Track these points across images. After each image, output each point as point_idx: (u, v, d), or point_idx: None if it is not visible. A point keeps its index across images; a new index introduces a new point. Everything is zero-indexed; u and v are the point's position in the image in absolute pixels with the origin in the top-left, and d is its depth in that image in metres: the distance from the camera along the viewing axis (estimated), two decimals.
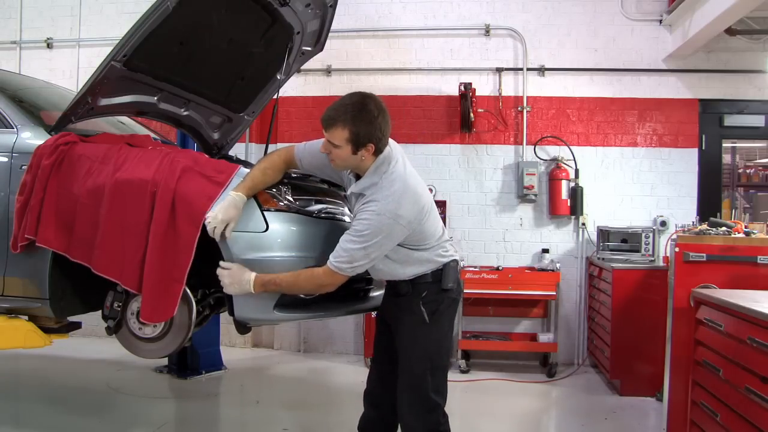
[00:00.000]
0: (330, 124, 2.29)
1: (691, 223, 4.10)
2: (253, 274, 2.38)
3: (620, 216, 5.35)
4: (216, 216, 2.37)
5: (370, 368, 2.75)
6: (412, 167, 2.44)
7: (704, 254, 3.25)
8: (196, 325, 2.69)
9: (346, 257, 2.28)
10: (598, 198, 5.42)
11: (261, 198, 2.52)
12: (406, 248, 2.38)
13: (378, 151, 2.33)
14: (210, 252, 2.47)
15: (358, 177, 2.43)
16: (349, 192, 2.45)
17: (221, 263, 2.42)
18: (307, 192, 2.72)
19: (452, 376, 2.57)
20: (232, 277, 2.38)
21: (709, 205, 5.29)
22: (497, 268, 5.23)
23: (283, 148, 2.63)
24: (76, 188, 2.56)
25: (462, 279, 2.61)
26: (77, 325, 3.06)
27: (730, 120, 5.35)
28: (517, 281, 5.06)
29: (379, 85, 5.65)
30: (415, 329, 2.43)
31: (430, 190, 5.36)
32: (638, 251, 4.87)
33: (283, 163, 2.56)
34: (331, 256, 2.32)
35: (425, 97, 5.60)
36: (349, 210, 2.75)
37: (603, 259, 4.95)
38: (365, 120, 2.26)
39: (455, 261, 2.49)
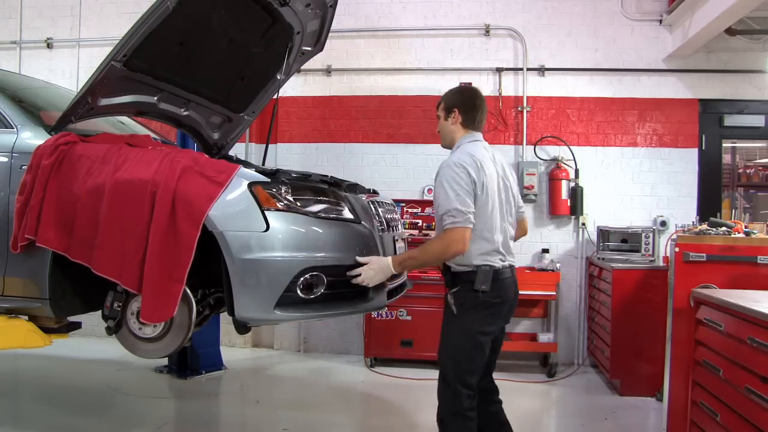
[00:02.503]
0: (439, 102, 2.78)
1: (691, 223, 4.10)
2: (389, 258, 2.59)
3: (620, 216, 5.35)
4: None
5: None
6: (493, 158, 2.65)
7: (704, 254, 3.25)
8: (196, 325, 2.69)
9: (449, 211, 2.44)
10: (598, 198, 5.42)
11: (261, 198, 2.52)
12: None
13: (465, 123, 2.67)
14: (210, 252, 2.47)
15: None
16: None
17: (359, 258, 2.57)
18: (307, 192, 2.72)
19: None
20: (374, 267, 2.56)
21: (709, 205, 5.29)
22: None
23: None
24: (76, 188, 2.56)
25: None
26: (77, 325, 3.06)
27: (730, 120, 5.35)
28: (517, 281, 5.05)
29: (379, 85, 5.66)
30: (446, 318, 2.62)
31: (430, 190, 5.39)
32: (638, 251, 4.87)
33: None
34: (444, 218, 2.46)
35: (425, 97, 5.59)
36: None
37: (603, 259, 4.95)
38: (455, 91, 2.80)
39: (489, 266, 2.54)
